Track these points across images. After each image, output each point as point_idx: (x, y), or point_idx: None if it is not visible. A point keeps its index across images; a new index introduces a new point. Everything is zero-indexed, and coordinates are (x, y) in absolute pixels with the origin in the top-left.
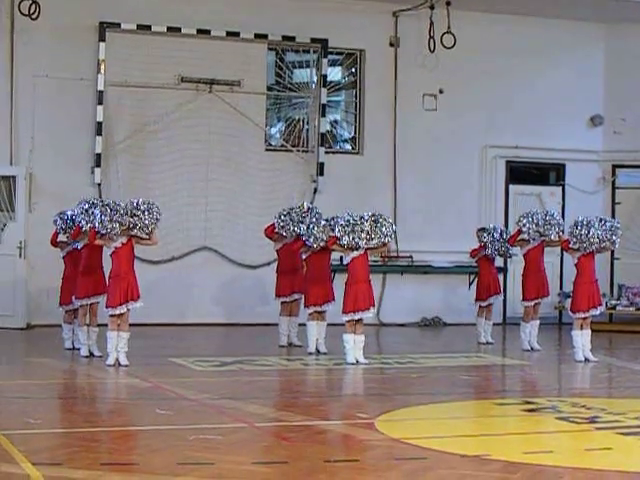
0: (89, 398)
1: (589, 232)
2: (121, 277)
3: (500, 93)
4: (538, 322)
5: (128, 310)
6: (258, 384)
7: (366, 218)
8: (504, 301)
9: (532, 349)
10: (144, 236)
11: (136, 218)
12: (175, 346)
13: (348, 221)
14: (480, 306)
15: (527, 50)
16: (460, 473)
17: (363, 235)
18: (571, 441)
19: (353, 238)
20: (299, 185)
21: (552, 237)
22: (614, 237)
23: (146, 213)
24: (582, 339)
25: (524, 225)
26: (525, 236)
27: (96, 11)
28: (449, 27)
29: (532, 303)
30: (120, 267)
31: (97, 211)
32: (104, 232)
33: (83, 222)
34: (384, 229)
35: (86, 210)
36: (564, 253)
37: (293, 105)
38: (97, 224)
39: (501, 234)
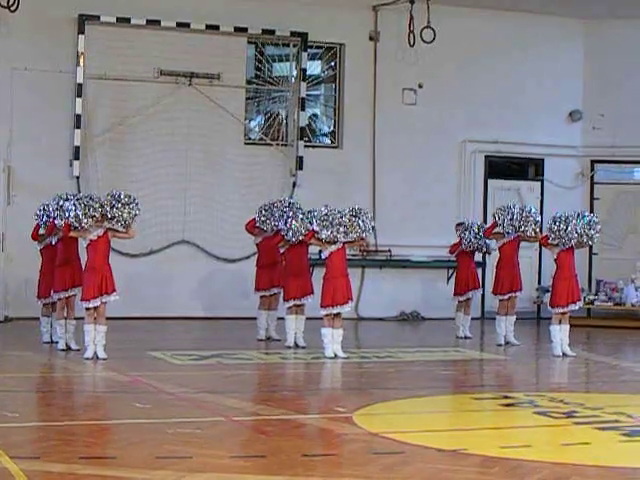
0: (67, 391)
1: (567, 227)
2: (96, 270)
3: (479, 88)
4: (514, 318)
5: (103, 303)
6: (236, 378)
7: (345, 212)
8: (482, 296)
9: (508, 343)
10: (121, 229)
11: (115, 210)
12: (153, 339)
13: (326, 215)
14: (458, 301)
15: (506, 45)
16: (438, 467)
17: (341, 229)
18: (549, 436)
19: (331, 232)
20: (278, 179)
21: (528, 234)
22: (592, 232)
23: (126, 207)
24: (560, 334)
25: (499, 218)
26: (500, 229)
27: (75, 3)
28: (429, 21)
29: (505, 297)
30: (95, 260)
31: (70, 205)
32: (77, 226)
33: (58, 218)
34: (362, 223)
35: (60, 206)
36: (542, 248)
37: (272, 99)
38: (71, 219)
39: (479, 229)
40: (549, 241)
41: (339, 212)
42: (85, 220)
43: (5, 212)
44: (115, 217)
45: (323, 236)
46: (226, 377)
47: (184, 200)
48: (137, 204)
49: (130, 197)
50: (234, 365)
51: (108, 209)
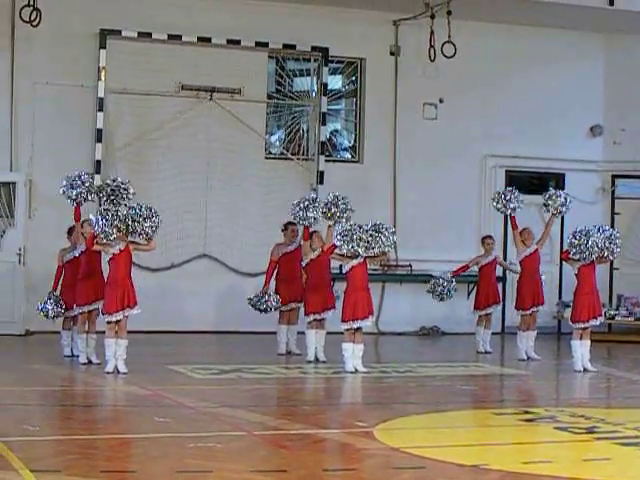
0: (88, 405)
1: (588, 242)
2: (118, 283)
3: (500, 103)
4: (535, 332)
5: (125, 317)
6: (257, 392)
7: (367, 228)
8: (503, 310)
9: (529, 359)
10: (142, 242)
11: (136, 224)
12: (174, 353)
13: (348, 229)
14: (479, 315)
15: (527, 60)
16: None
17: (362, 243)
18: (570, 451)
19: (352, 247)
20: (299, 193)
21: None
22: (613, 246)
23: (147, 220)
24: (581, 349)
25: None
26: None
27: (97, 18)
28: (449, 36)
29: (529, 312)
30: (117, 273)
31: (98, 218)
32: (103, 236)
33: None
34: (384, 238)
35: (77, 176)
36: (562, 262)
37: (293, 113)
38: (96, 229)
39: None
40: (570, 256)
41: (360, 227)
42: (110, 230)
43: (26, 226)
44: (137, 231)
45: (344, 250)
46: (246, 391)
47: (205, 214)
48: (158, 216)
49: (151, 210)
50: (254, 379)
51: (129, 222)
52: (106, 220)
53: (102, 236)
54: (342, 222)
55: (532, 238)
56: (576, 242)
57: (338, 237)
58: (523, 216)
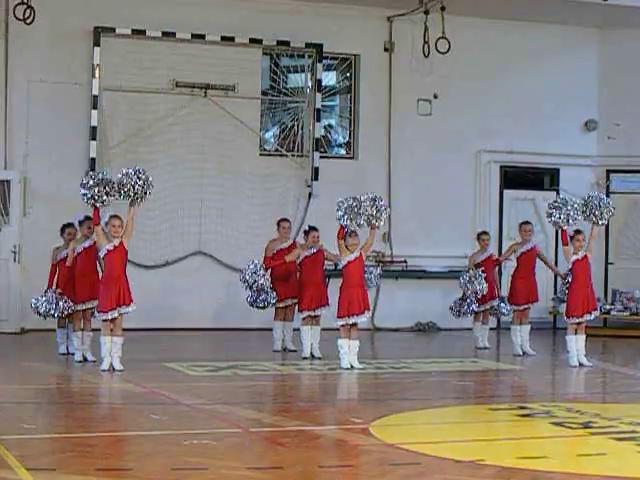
0: (83, 403)
1: (567, 204)
2: (113, 281)
3: (494, 98)
4: (529, 327)
5: (120, 315)
6: (252, 389)
7: (363, 199)
8: (499, 306)
9: (524, 354)
10: (130, 200)
11: (127, 183)
12: (169, 351)
13: (351, 205)
14: (475, 311)
15: (521, 55)
16: (454, 478)
17: (364, 217)
18: (565, 446)
19: (358, 219)
20: (293, 190)
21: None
22: (603, 207)
23: (140, 181)
24: (576, 344)
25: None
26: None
27: (91, 16)
28: (443, 32)
29: (521, 307)
30: (112, 271)
31: (85, 190)
32: (95, 199)
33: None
34: (376, 211)
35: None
36: (558, 257)
37: (288, 110)
38: (86, 193)
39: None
40: (566, 229)
41: (363, 200)
42: (101, 194)
43: (21, 223)
44: (127, 189)
45: (352, 227)
46: (242, 388)
47: (199, 211)
48: (150, 181)
49: (146, 174)
50: (250, 376)
51: (125, 181)
52: (101, 186)
53: (94, 200)
54: None
55: (531, 234)
56: (555, 212)
57: (344, 216)
58: (518, 210)
